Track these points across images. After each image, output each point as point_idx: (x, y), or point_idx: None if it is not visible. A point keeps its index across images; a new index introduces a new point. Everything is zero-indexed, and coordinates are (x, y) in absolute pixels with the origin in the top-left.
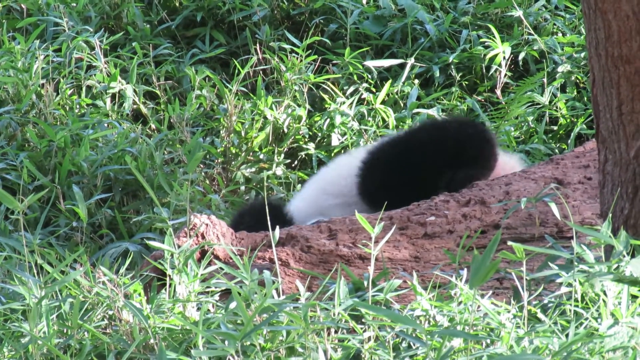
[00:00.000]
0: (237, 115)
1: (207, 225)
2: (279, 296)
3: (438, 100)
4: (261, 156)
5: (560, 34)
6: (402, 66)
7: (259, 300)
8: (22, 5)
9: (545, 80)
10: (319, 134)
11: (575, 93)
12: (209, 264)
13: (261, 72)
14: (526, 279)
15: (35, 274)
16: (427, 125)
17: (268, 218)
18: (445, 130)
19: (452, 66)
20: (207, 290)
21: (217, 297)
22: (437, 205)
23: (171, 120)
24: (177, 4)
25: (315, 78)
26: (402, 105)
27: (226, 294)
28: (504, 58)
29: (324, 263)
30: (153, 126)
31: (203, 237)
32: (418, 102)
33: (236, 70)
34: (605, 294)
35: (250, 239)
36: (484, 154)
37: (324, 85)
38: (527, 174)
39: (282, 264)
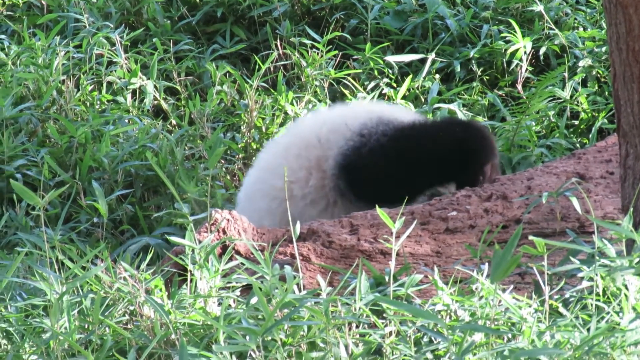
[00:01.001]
0: (258, 110)
1: (228, 220)
2: (300, 291)
3: (459, 95)
4: None
5: (581, 29)
6: (422, 61)
7: (280, 296)
8: (43, 2)
9: (566, 74)
10: None
11: (597, 87)
12: (230, 259)
13: (282, 67)
14: (547, 274)
15: (56, 270)
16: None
17: (289, 214)
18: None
19: (473, 61)
20: (228, 285)
21: (238, 292)
22: (458, 200)
23: (192, 116)
24: (198, 0)
25: (336, 73)
26: (423, 100)
27: (247, 289)
28: (525, 53)
29: (346, 258)
30: (174, 122)
31: (224, 233)
32: (439, 97)
33: (257, 66)
34: (626, 288)
35: (271, 234)
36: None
37: (344, 81)
38: (549, 168)
39: (304, 259)
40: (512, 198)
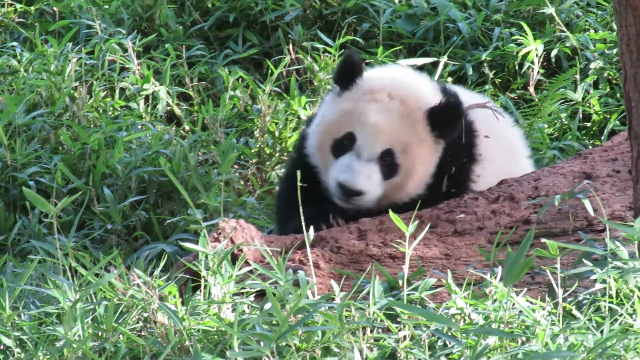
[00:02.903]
0: (271, 115)
1: (235, 229)
2: (313, 297)
3: None
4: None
5: (592, 31)
6: (435, 64)
7: (294, 301)
8: (55, 8)
9: (577, 76)
10: None
11: (608, 89)
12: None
13: (294, 72)
14: (560, 276)
15: (70, 277)
16: None
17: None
18: None
19: (485, 64)
20: (242, 291)
21: (252, 298)
22: (466, 202)
23: (205, 122)
24: (210, 5)
25: None
26: None
27: (261, 295)
28: (537, 55)
29: (354, 263)
30: (187, 127)
31: (232, 241)
32: None
33: (269, 71)
34: (639, 290)
35: (279, 242)
36: None
37: None
38: (556, 169)
39: (313, 265)
40: (519, 199)
